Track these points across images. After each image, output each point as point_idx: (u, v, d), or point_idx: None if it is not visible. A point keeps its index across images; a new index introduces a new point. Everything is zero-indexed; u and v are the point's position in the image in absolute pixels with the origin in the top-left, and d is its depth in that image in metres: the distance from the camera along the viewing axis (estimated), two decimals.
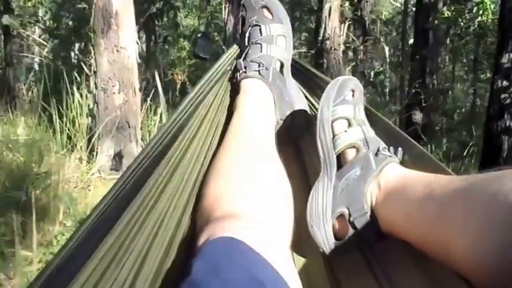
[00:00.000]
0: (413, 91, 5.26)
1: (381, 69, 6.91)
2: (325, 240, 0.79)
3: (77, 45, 7.59)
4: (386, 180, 0.76)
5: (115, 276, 0.58)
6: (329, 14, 5.23)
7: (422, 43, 5.56)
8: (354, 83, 0.88)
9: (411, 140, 0.86)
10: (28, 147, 3.48)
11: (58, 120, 3.87)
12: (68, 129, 3.91)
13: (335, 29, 5.26)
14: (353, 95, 0.87)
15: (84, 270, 0.56)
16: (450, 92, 9.73)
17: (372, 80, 6.55)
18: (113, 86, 4.05)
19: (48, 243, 2.37)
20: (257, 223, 0.64)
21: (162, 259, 0.65)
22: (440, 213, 0.64)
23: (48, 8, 7.74)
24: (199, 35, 5.70)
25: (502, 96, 4.86)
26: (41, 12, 7.88)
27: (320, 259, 0.81)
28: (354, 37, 5.65)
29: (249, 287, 0.49)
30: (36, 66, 7.96)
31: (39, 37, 7.19)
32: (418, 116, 5.46)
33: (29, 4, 6.57)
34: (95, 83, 4.24)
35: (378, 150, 0.79)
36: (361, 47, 5.77)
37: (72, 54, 7.41)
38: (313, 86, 1.04)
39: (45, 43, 6.99)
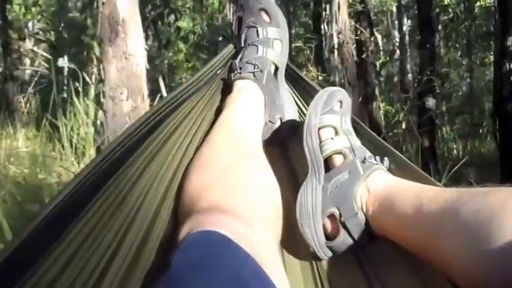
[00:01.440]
0: (425, 78, 5.35)
1: (387, 58, 7.02)
2: (316, 239, 0.80)
3: (71, 54, 7.44)
4: (375, 185, 0.79)
5: (83, 264, 0.56)
6: (338, 8, 5.25)
7: (429, 31, 5.67)
8: (342, 95, 0.91)
9: (396, 151, 0.89)
10: (32, 159, 3.47)
11: (62, 129, 3.85)
12: (75, 139, 3.90)
13: (345, 22, 5.30)
14: (341, 106, 0.90)
15: (50, 254, 0.54)
16: (446, 77, 9.97)
17: (379, 70, 6.65)
18: (121, 94, 3.99)
19: None
20: (244, 219, 0.62)
21: (139, 248, 0.63)
22: (430, 226, 0.66)
23: (48, 19, 7.56)
24: (219, 39, 5.67)
25: None
26: (35, 24, 7.71)
27: (309, 258, 0.82)
28: (362, 29, 5.70)
29: (232, 285, 0.47)
30: (35, 78, 7.77)
31: (38, 48, 7.03)
32: (431, 102, 5.57)
33: (29, 17, 6.41)
34: (103, 91, 4.18)
35: (365, 158, 0.82)
36: (371, 39, 5.85)
37: (68, 63, 7.26)
38: (304, 93, 1.06)
39: (44, 54, 6.84)
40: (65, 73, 6.94)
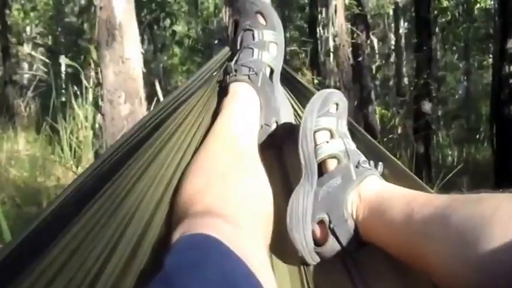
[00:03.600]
0: (421, 82, 5.33)
1: (383, 62, 7.01)
2: (304, 244, 0.80)
3: (63, 58, 7.44)
4: (366, 192, 0.78)
5: (78, 265, 0.58)
6: (335, 11, 5.25)
7: (426, 34, 5.65)
8: (339, 97, 0.90)
9: (392, 157, 0.89)
10: (32, 162, 3.52)
11: (62, 133, 3.88)
12: (74, 143, 3.92)
13: (342, 25, 5.29)
14: (337, 109, 0.89)
15: (47, 255, 0.56)
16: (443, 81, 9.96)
17: (375, 73, 6.64)
18: (118, 97, 4.02)
19: None
20: (236, 222, 0.64)
21: (132, 252, 0.64)
22: (419, 233, 0.66)
23: (47, 24, 7.58)
24: (215, 42, 5.69)
25: (511, 81, 4.98)
26: (33, 28, 7.73)
27: (298, 263, 0.82)
28: (358, 32, 5.69)
29: (221, 285, 0.49)
30: (34, 82, 7.81)
31: (36, 52, 7.05)
32: (427, 106, 5.56)
33: (27, 21, 6.42)
34: (101, 95, 4.19)
35: (359, 162, 0.81)
36: (367, 42, 5.83)
37: (65, 67, 7.28)
38: (300, 96, 1.06)
39: (43, 58, 6.84)
40: (63, 77, 6.98)
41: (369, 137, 0.96)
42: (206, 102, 0.99)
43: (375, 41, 8.81)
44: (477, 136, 5.80)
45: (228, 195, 0.70)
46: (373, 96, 6.14)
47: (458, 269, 0.59)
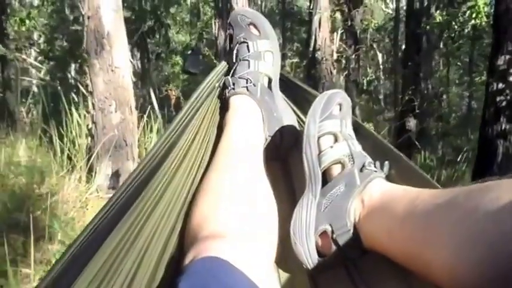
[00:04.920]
0: (406, 98, 5.24)
1: (374, 77, 6.92)
2: (308, 257, 0.80)
3: (72, 66, 7.65)
4: (370, 196, 0.77)
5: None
6: (319, 25, 5.24)
7: (414, 49, 5.56)
8: (341, 97, 0.88)
9: (399, 153, 0.86)
10: (29, 169, 3.52)
11: (58, 141, 3.88)
12: (69, 150, 3.93)
13: (325, 39, 5.27)
14: (340, 109, 0.88)
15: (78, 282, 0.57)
16: (445, 96, 9.73)
17: (365, 88, 6.56)
18: (109, 106, 4.08)
19: (47, 261, 2.44)
20: (241, 242, 0.65)
21: (150, 279, 0.66)
22: (422, 230, 0.65)
23: (42, 31, 7.80)
24: (189, 52, 5.75)
25: (498, 99, 4.83)
26: (35, 36, 7.96)
27: (304, 275, 0.82)
28: (345, 47, 5.65)
29: None
30: (34, 89, 8.03)
31: (35, 60, 7.25)
32: (411, 123, 5.45)
33: (23, 29, 6.62)
34: (93, 103, 4.25)
35: (364, 165, 0.80)
36: (353, 56, 5.78)
37: (69, 75, 7.48)
38: (301, 101, 1.04)
39: (41, 66, 7.04)
40: (63, 84, 7.14)
41: (375, 134, 0.94)
42: (211, 119, 0.99)
43: (379, 55, 8.73)
44: (462, 156, 5.63)
45: (234, 218, 0.71)
46: (357, 110, 6.06)
47: (460, 269, 0.57)
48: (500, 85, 4.86)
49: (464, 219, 0.58)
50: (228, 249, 0.60)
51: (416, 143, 5.07)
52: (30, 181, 3.26)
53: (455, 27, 6.36)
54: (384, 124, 6.14)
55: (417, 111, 5.05)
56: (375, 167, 0.80)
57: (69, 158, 3.91)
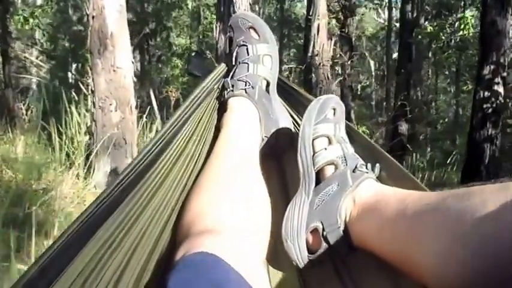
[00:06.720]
0: (399, 103, 5.48)
1: (367, 83, 7.14)
2: (299, 254, 0.82)
3: (73, 65, 7.70)
4: (361, 196, 0.79)
5: (97, 282, 0.61)
6: (317, 31, 5.43)
7: (406, 57, 5.81)
8: (336, 101, 0.91)
9: (389, 156, 0.89)
10: (27, 165, 3.53)
11: (57, 138, 3.88)
12: (67, 147, 3.95)
13: (323, 45, 5.47)
14: (334, 114, 0.90)
15: (61, 281, 0.58)
16: (434, 103, 10.00)
17: (359, 93, 6.79)
18: (110, 105, 4.07)
19: None
20: (233, 239, 0.66)
21: (140, 274, 0.67)
22: (411, 230, 0.67)
23: (46, 31, 7.84)
24: (192, 54, 5.87)
25: (484, 106, 5.11)
26: (38, 35, 7.99)
27: (294, 272, 0.84)
28: (341, 53, 5.88)
29: None
30: (34, 87, 8.06)
31: (37, 58, 7.29)
32: (403, 127, 5.69)
33: (27, 27, 6.68)
34: (93, 102, 4.32)
35: (356, 167, 0.82)
36: (349, 62, 6.00)
37: (70, 74, 7.52)
38: (297, 104, 1.06)
39: (43, 64, 7.09)
40: (63, 83, 7.20)
41: (367, 138, 0.97)
42: (208, 119, 1.01)
43: (372, 63, 8.95)
44: (452, 159, 5.88)
45: (227, 216, 0.72)
46: (352, 115, 6.29)
47: (448, 268, 0.58)
48: (487, 93, 5.14)
49: (449, 222, 0.60)
50: (219, 245, 0.61)
51: (408, 146, 5.33)
52: (27, 177, 3.26)
53: (443, 37, 6.66)
54: (376, 128, 6.36)
55: (409, 116, 5.32)
56: (366, 168, 0.82)
57: (68, 155, 3.91)
